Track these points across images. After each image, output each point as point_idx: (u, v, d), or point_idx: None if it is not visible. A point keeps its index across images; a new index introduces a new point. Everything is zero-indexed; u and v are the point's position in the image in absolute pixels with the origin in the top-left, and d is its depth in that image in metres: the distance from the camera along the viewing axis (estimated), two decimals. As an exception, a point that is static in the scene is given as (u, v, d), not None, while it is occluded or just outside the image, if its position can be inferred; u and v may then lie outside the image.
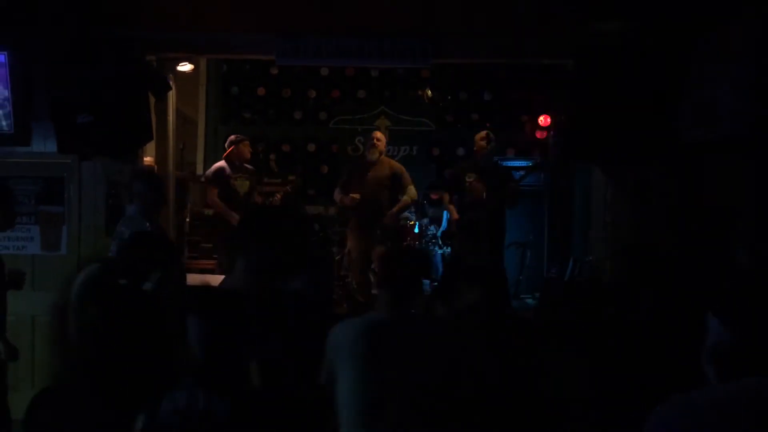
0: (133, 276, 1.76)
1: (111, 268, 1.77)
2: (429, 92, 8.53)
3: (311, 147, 8.57)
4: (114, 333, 1.71)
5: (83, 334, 1.69)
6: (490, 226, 5.57)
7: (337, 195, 6.31)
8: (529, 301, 7.41)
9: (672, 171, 5.19)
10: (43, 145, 5.29)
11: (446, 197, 6.28)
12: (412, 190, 6.34)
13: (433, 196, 7.36)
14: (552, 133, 7.79)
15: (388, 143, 8.30)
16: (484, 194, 5.93)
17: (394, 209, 6.25)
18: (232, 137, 6.56)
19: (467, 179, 6.09)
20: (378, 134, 6.38)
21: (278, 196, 6.79)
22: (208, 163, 8.52)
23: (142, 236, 3.40)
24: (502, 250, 6.07)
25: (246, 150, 6.47)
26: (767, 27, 4.03)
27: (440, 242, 7.32)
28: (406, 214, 7.02)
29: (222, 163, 6.46)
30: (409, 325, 2.64)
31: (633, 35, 5.08)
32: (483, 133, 6.36)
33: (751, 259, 3.72)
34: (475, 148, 6.37)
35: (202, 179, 6.49)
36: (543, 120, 8.00)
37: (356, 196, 6.04)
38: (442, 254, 7.32)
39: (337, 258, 7.24)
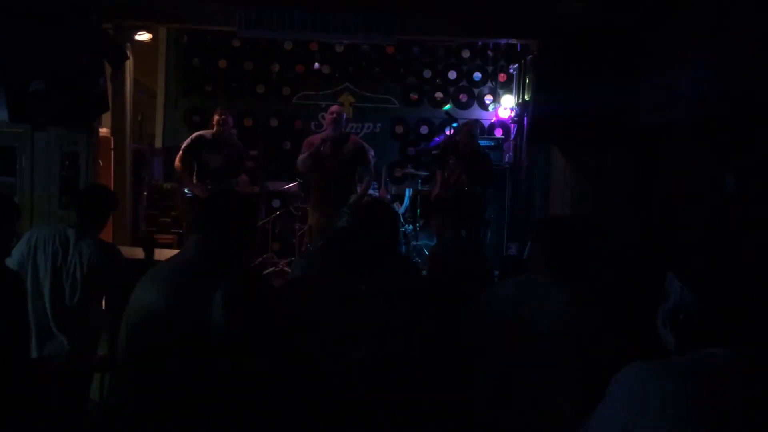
0: None
1: None
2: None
3: (273, 122, 8.46)
4: None
5: None
6: (472, 209, 5.69)
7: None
8: (489, 279, 7.50)
9: (629, 154, 5.26)
10: (-6, 113, 5.12)
11: (438, 174, 6.35)
12: (371, 170, 6.27)
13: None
14: (514, 113, 7.85)
15: (351, 120, 8.28)
16: (464, 178, 6.07)
17: (360, 190, 6.16)
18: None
19: (449, 161, 6.21)
20: (336, 108, 6.13)
21: (244, 176, 6.64)
22: (167, 136, 8.35)
23: None
24: (484, 234, 6.32)
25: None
26: (722, 11, 4.09)
27: (402, 219, 7.33)
28: (370, 191, 6.99)
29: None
30: None
31: (596, 17, 5.11)
32: (470, 126, 6.36)
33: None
34: (459, 137, 6.38)
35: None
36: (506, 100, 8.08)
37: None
38: (404, 232, 7.33)
39: (298, 233, 7.22)
